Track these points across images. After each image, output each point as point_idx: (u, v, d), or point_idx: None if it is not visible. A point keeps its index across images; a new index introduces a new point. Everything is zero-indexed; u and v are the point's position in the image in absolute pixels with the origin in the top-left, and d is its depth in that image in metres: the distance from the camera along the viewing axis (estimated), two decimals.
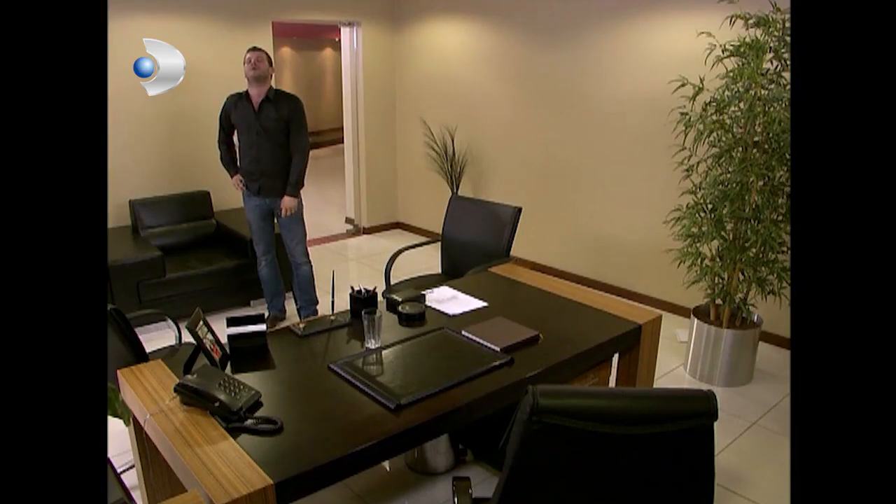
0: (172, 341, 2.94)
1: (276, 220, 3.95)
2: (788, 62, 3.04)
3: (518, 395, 1.33)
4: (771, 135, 3.04)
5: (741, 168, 3.07)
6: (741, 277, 3.29)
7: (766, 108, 2.99)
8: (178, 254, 4.38)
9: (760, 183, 3.09)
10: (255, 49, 3.62)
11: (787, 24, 3.00)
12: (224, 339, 2.12)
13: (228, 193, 4.87)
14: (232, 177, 3.86)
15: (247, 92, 3.65)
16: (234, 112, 3.68)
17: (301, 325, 2.33)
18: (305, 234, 3.96)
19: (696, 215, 3.29)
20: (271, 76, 3.66)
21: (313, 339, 2.26)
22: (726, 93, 3.11)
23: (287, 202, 3.74)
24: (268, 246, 3.98)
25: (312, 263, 4.05)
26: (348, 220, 6.63)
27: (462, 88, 5.55)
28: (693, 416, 1.28)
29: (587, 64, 4.56)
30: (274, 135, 3.65)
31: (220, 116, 3.75)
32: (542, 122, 4.96)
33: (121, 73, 4.10)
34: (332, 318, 2.40)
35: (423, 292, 2.63)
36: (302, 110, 3.72)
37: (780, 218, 3.16)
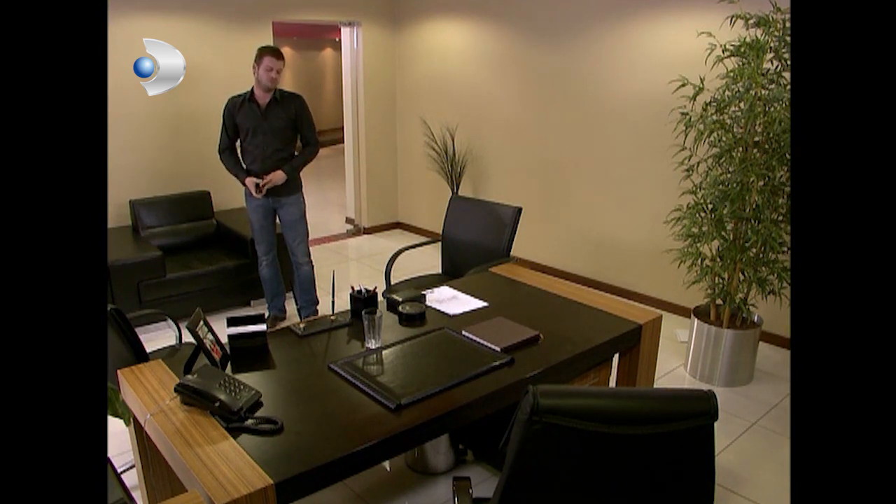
0: (173, 341, 2.94)
1: (277, 220, 3.95)
2: (788, 62, 3.04)
3: (518, 395, 1.33)
4: (771, 135, 3.04)
5: (741, 168, 3.07)
6: (741, 277, 3.29)
7: (767, 108, 2.99)
8: (179, 254, 4.38)
9: (761, 183, 3.09)
10: (277, 55, 3.51)
11: (787, 24, 3.00)
12: (224, 339, 2.12)
13: (228, 193, 4.88)
14: (244, 181, 3.69)
15: (251, 93, 3.62)
16: (239, 114, 3.63)
17: (301, 325, 2.34)
18: (307, 234, 3.96)
19: (697, 215, 3.29)
20: None
21: (313, 339, 2.26)
22: (726, 93, 3.11)
23: (276, 176, 3.62)
24: (269, 245, 3.97)
25: (313, 263, 4.05)
26: (349, 220, 6.63)
27: (462, 88, 5.55)
28: (693, 416, 1.28)
29: (587, 64, 4.56)
30: (281, 134, 3.65)
31: (224, 120, 3.66)
32: (542, 121, 4.96)
33: (121, 73, 4.11)
34: (333, 318, 2.40)
35: (423, 292, 2.63)
36: (308, 108, 3.76)
37: (781, 218, 3.16)
